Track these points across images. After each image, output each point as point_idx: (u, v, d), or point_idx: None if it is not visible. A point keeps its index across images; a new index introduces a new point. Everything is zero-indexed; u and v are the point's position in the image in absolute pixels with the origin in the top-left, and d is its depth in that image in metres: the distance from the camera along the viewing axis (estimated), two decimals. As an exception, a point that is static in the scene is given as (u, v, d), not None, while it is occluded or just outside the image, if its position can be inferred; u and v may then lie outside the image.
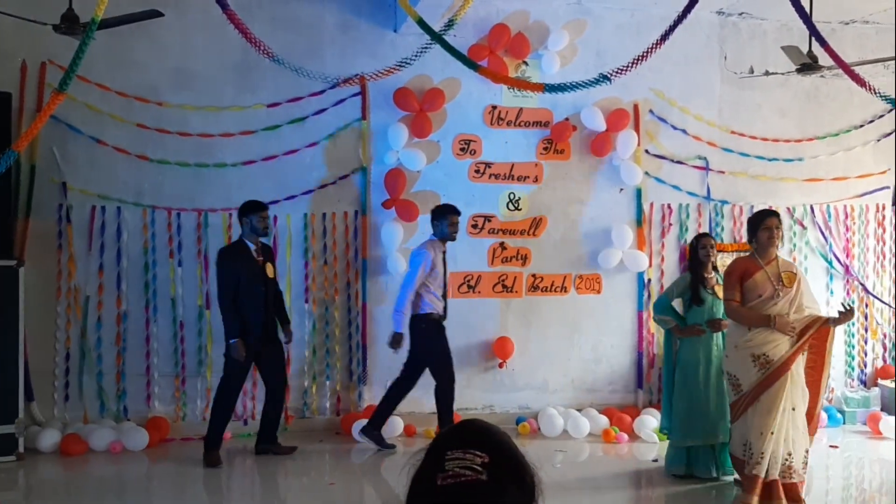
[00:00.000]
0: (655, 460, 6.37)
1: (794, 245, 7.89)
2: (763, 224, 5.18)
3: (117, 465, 6.17)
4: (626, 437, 6.87)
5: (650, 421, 7.02)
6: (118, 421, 6.69)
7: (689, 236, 7.74)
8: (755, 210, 6.50)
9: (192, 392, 6.90)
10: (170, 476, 6.14)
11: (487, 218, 7.38)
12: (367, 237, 7.15)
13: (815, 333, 5.06)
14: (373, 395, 7.19)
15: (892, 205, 8.18)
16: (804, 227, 7.95)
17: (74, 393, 6.71)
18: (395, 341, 6.44)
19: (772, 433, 4.92)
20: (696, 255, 5.86)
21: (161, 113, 6.82)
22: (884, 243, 8.17)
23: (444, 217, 6.44)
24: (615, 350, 7.60)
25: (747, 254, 5.51)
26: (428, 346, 6.45)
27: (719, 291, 5.55)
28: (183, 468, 6.21)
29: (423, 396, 7.25)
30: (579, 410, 7.28)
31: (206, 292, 6.90)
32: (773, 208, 6.02)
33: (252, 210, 6.19)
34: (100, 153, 6.74)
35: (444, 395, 6.46)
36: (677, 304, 6.02)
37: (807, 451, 5.09)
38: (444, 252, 6.51)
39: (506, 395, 7.41)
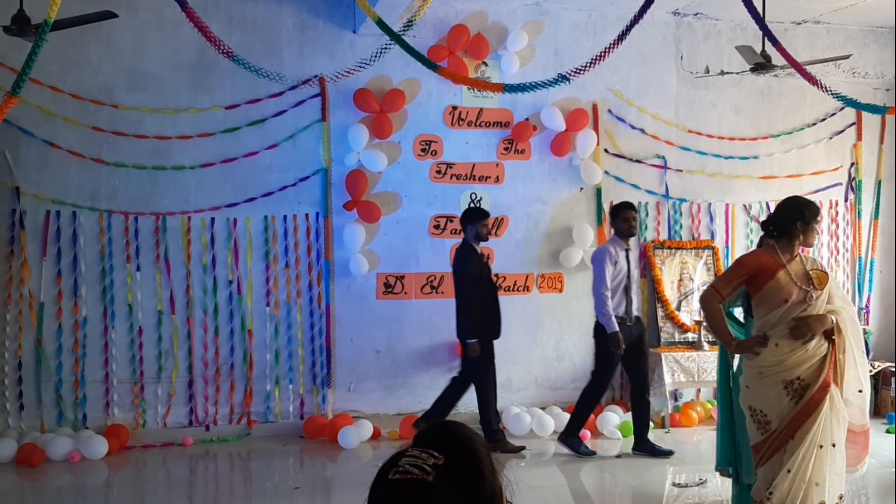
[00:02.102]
0: (619, 456, 6.44)
1: (751, 241, 8.02)
2: (813, 215, 4.21)
3: (76, 475, 6.04)
4: (588, 434, 6.91)
5: (612, 418, 7.09)
6: (76, 429, 6.57)
7: (649, 235, 7.85)
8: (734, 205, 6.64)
9: (152, 399, 6.80)
10: (130, 484, 6.04)
11: (449, 218, 7.39)
12: (329, 239, 7.11)
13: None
14: (336, 398, 7.16)
15: (845, 201, 8.37)
16: (760, 224, 8.07)
17: (30, 402, 6.57)
18: (614, 343, 6.24)
19: (788, 471, 3.95)
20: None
21: (116, 115, 6.71)
22: (837, 238, 8.35)
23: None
24: (578, 348, 7.66)
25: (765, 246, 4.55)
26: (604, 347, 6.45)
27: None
28: (143, 476, 6.12)
29: (386, 398, 7.25)
30: (543, 409, 7.32)
31: (170, 297, 6.81)
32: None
33: (474, 218, 6.55)
34: (53, 156, 6.61)
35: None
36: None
37: (840, 497, 4.09)
38: None
39: (470, 394, 7.40)
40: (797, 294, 4.01)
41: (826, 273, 4.16)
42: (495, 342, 6.63)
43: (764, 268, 4.08)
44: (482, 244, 6.68)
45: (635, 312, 6.44)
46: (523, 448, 6.49)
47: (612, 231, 6.56)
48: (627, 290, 6.36)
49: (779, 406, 3.98)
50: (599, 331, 6.37)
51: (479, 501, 1.32)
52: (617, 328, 6.22)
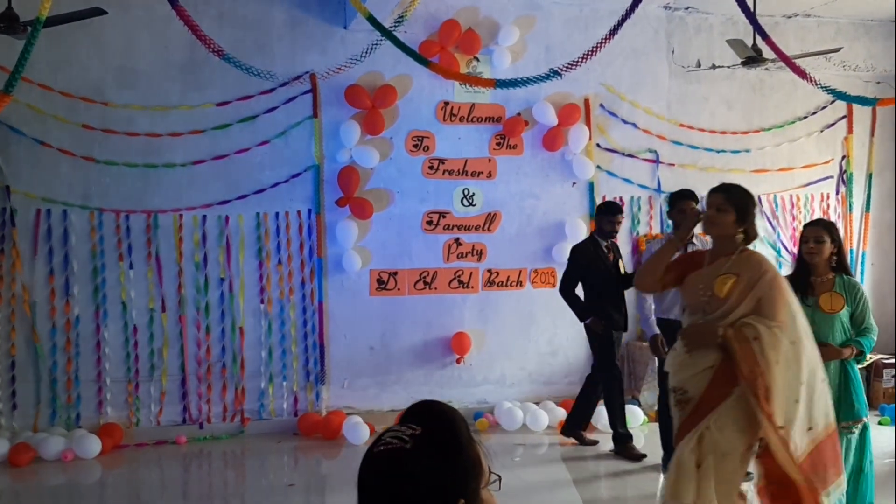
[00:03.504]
0: (613, 450, 6.45)
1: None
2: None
3: (69, 474, 6.03)
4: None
5: (605, 412, 7.09)
6: (69, 428, 6.54)
7: (641, 229, 7.87)
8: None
9: (146, 397, 6.78)
10: (124, 483, 6.03)
11: (442, 214, 7.38)
12: (322, 235, 7.10)
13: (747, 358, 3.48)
14: (331, 395, 7.15)
15: (836, 194, 8.39)
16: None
17: (23, 401, 6.55)
18: (653, 347, 5.91)
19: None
20: (800, 249, 4.43)
21: (106, 113, 6.68)
22: (829, 231, 8.36)
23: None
24: (571, 343, 7.66)
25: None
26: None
27: (828, 302, 4.17)
28: (137, 475, 6.11)
29: (380, 394, 7.25)
30: (537, 403, 7.33)
31: (162, 295, 6.79)
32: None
33: (600, 213, 6.45)
34: (44, 155, 6.58)
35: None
36: None
37: None
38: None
39: (464, 390, 7.42)
40: (695, 299, 3.71)
41: (736, 277, 3.61)
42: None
43: (690, 262, 3.87)
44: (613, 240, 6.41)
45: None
46: (644, 456, 6.15)
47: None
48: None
49: (674, 412, 3.73)
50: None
51: (457, 467, 1.41)
52: (656, 331, 5.85)
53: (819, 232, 4.22)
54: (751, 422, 3.52)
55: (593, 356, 6.57)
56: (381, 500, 1.40)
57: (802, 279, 4.19)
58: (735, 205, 3.72)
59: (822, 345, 3.91)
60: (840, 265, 4.24)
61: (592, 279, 6.32)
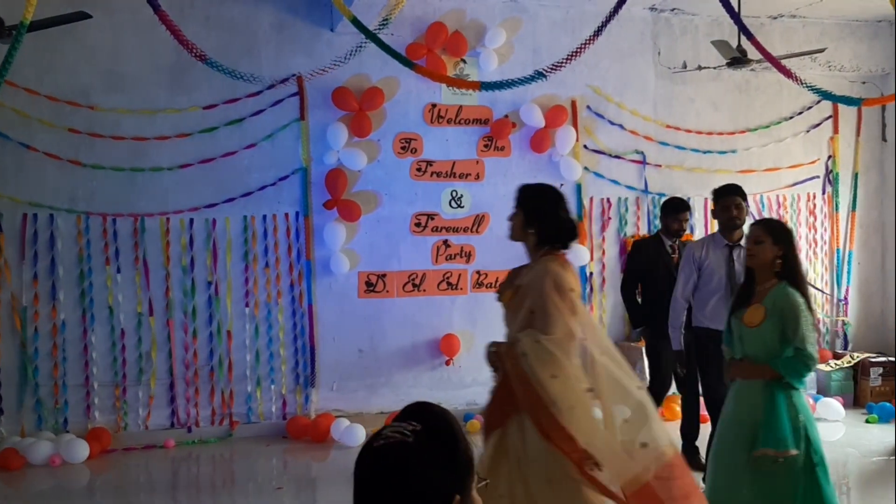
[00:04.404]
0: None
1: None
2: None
3: (57, 479, 6.00)
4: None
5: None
6: (57, 433, 6.51)
7: (629, 230, 7.89)
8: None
9: (133, 401, 6.76)
10: (112, 488, 6.01)
11: (430, 216, 7.39)
12: (310, 238, 7.09)
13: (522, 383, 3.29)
14: (321, 398, 7.15)
15: (822, 194, 8.44)
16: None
17: (10, 406, 6.52)
18: (678, 360, 5.61)
19: None
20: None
21: (93, 117, 6.66)
22: (815, 231, 8.42)
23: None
24: (560, 344, 7.67)
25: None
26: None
27: (752, 314, 3.69)
28: (126, 479, 6.09)
29: (370, 397, 7.25)
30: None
31: (149, 299, 6.77)
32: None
33: (664, 210, 6.10)
34: (29, 159, 6.56)
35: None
36: None
37: None
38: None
39: (453, 391, 7.42)
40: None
41: (517, 288, 3.51)
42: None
43: None
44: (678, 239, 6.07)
45: None
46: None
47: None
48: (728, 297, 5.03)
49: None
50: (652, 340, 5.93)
51: (456, 462, 1.45)
52: (681, 346, 5.40)
53: (758, 232, 3.74)
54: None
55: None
56: (380, 493, 1.41)
57: (748, 286, 3.78)
58: (523, 205, 3.57)
59: (738, 361, 3.72)
60: (786, 272, 3.68)
61: (650, 281, 5.96)
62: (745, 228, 3.92)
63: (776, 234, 3.70)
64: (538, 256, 3.53)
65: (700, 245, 5.41)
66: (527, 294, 3.42)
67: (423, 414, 1.49)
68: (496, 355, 3.49)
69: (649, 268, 6.00)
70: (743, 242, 4.90)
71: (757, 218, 8.11)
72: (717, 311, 5.12)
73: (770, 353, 3.62)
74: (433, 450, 1.42)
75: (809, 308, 3.63)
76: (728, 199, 5.14)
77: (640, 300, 6.24)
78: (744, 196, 5.19)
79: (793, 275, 3.67)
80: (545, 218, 3.51)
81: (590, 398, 3.32)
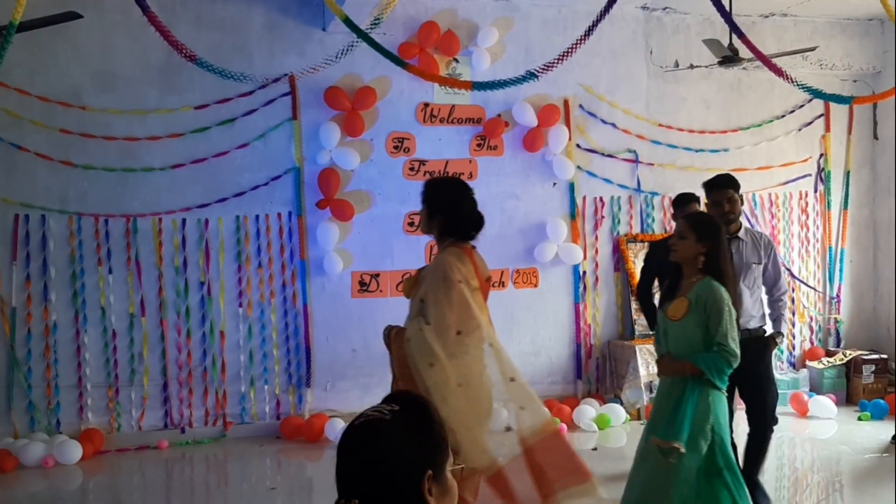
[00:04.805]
0: (595, 449, 6.48)
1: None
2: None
3: (50, 480, 5.99)
4: (565, 427, 6.95)
5: (589, 411, 7.13)
6: (50, 434, 6.49)
7: (622, 228, 7.91)
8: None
9: (126, 402, 6.74)
10: (106, 489, 6.00)
11: (423, 215, 7.38)
12: (303, 238, 7.08)
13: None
14: (315, 398, 7.14)
15: (815, 191, 8.47)
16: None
17: (2, 407, 6.50)
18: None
19: None
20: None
21: (84, 117, 6.64)
22: (807, 229, 8.44)
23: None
24: (553, 342, 7.69)
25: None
26: None
27: (675, 308, 3.72)
28: (119, 480, 6.08)
29: (363, 396, 7.24)
30: (520, 403, 7.34)
31: (139, 299, 6.75)
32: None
33: (675, 205, 5.80)
34: (21, 160, 6.53)
35: None
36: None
37: None
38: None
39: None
40: None
41: (415, 276, 3.75)
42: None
43: None
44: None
45: (748, 323, 4.65)
46: None
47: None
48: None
49: None
50: None
51: (430, 439, 1.58)
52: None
53: (682, 227, 3.74)
54: None
55: None
56: (357, 465, 1.55)
57: (675, 280, 3.80)
58: (426, 200, 3.74)
59: (662, 356, 3.76)
60: (710, 269, 3.66)
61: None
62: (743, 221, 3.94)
63: (700, 230, 3.69)
64: (441, 248, 3.67)
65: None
66: (421, 284, 3.60)
67: (403, 398, 1.64)
68: (388, 338, 3.67)
69: (666, 268, 5.54)
70: (741, 235, 4.78)
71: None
72: (750, 311, 4.74)
73: (692, 348, 3.61)
74: (408, 427, 1.56)
75: (733, 306, 3.63)
76: (719, 194, 4.75)
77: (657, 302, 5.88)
78: (737, 187, 4.82)
79: (716, 272, 3.65)
80: (447, 211, 3.65)
81: (461, 393, 3.44)
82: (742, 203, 4.84)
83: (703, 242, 3.67)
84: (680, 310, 3.64)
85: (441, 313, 3.49)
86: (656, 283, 5.73)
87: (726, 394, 3.69)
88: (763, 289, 4.86)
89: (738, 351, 3.59)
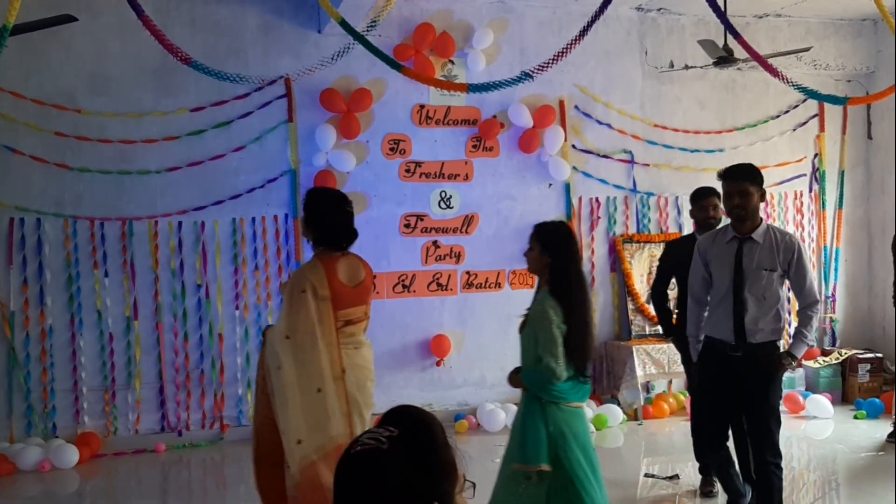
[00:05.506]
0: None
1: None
2: None
3: (47, 484, 5.97)
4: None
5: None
6: (46, 438, 6.48)
7: (618, 229, 7.92)
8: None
9: (123, 406, 6.73)
10: (103, 493, 5.98)
11: (420, 217, 7.39)
12: (299, 240, 7.08)
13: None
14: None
15: (809, 191, 8.49)
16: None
17: (3, 411, 6.47)
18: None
19: None
20: None
21: (79, 120, 6.62)
22: (802, 229, 8.47)
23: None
24: (550, 343, 7.68)
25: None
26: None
27: (522, 321, 3.72)
28: (116, 484, 6.06)
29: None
30: (516, 404, 7.34)
31: (136, 303, 6.74)
32: None
33: (692, 200, 5.39)
34: (15, 163, 6.51)
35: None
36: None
37: None
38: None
39: (444, 392, 7.43)
40: None
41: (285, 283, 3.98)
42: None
43: None
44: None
45: (753, 339, 4.18)
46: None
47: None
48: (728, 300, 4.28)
49: None
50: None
51: (431, 467, 1.45)
52: (693, 357, 4.53)
53: (531, 237, 3.69)
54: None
55: None
56: (356, 500, 1.43)
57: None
58: (304, 209, 3.96)
59: (514, 369, 3.72)
60: (553, 280, 3.56)
61: (684, 283, 4.86)
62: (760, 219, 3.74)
63: (544, 241, 3.61)
64: (314, 255, 3.90)
65: (710, 238, 4.48)
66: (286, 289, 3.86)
67: (403, 418, 1.50)
68: (264, 337, 3.83)
69: (679, 271, 5.06)
70: (755, 236, 4.23)
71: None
72: (721, 317, 4.30)
73: (528, 362, 3.59)
74: (408, 457, 1.43)
75: (571, 321, 3.48)
76: (730, 185, 4.27)
77: (673, 305, 5.54)
78: (753, 179, 4.32)
79: (560, 285, 3.53)
80: (317, 221, 3.84)
81: (315, 398, 3.60)
82: (762, 199, 4.26)
83: (546, 254, 3.58)
84: (522, 323, 3.64)
85: (287, 320, 3.68)
86: (674, 283, 5.43)
87: (576, 405, 3.57)
88: (781, 299, 4.23)
89: (556, 367, 3.46)
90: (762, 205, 4.36)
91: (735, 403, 4.23)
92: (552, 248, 3.57)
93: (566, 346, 3.47)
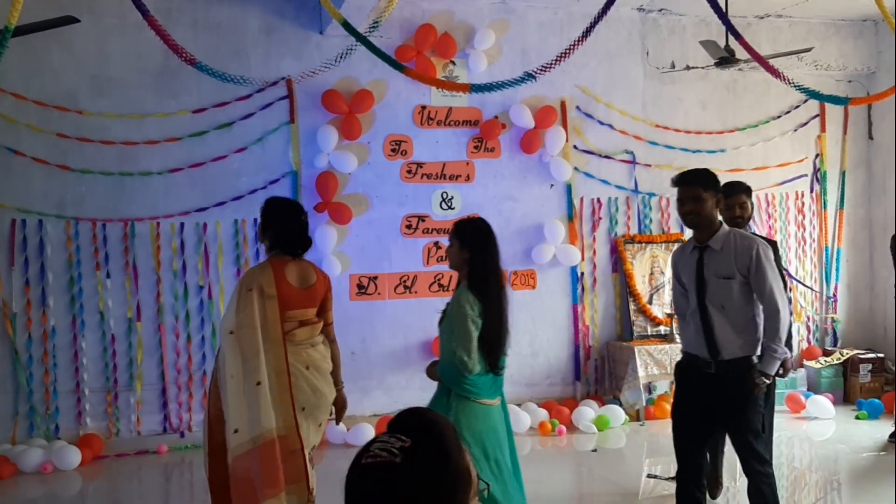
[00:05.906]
0: (594, 450, 6.49)
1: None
2: None
3: (49, 486, 5.97)
4: (564, 429, 6.96)
5: (588, 412, 7.13)
6: (48, 440, 6.48)
7: (619, 230, 7.92)
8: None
9: (125, 407, 6.74)
10: (105, 494, 5.98)
11: (421, 218, 7.39)
12: (299, 241, 7.07)
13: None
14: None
15: (811, 192, 8.49)
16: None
17: (1, 413, 6.48)
18: None
19: None
20: None
21: (81, 121, 6.63)
22: (804, 229, 8.47)
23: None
24: (552, 344, 7.70)
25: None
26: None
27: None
28: (118, 485, 6.06)
29: (362, 399, 7.23)
30: (519, 405, 7.34)
31: (136, 303, 6.74)
32: None
33: (725, 194, 4.48)
34: (17, 164, 6.52)
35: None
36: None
37: None
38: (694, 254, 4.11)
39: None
40: None
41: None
42: None
43: None
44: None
45: (724, 354, 3.92)
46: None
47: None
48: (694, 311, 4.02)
49: None
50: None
51: (446, 479, 1.39)
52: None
53: (450, 233, 3.76)
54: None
55: None
56: None
57: None
58: (261, 215, 4.18)
59: (431, 362, 3.84)
60: (472, 275, 3.63)
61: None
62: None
63: (463, 237, 3.69)
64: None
65: (680, 249, 4.26)
66: None
67: (414, 425, 1.44)
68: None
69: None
70: (711, 243, 3.99)
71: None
72: (683, 327, 4.15)
73: (443, 355, 3.66)
74: (422, 469, 1.38)
75: (488, 316, 3.54)
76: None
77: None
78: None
79: (476, 280, 3.60)
80: (271, 227, 4.05)
81: (259, 390, 3.78)
82: (718, 205, 4.02)
83: (465, 249, 3.65)
84: (442, 317, 3.70)
85: (232, 317, 3.87)
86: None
87: (487, 402, 3.62)
88: (751, 309, 3.95)
89: (468, 361, 3.51)
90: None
91: (712, 421, 4.06)
92: (471, 244, 3.65)
93: (482, 340, 3.55)
